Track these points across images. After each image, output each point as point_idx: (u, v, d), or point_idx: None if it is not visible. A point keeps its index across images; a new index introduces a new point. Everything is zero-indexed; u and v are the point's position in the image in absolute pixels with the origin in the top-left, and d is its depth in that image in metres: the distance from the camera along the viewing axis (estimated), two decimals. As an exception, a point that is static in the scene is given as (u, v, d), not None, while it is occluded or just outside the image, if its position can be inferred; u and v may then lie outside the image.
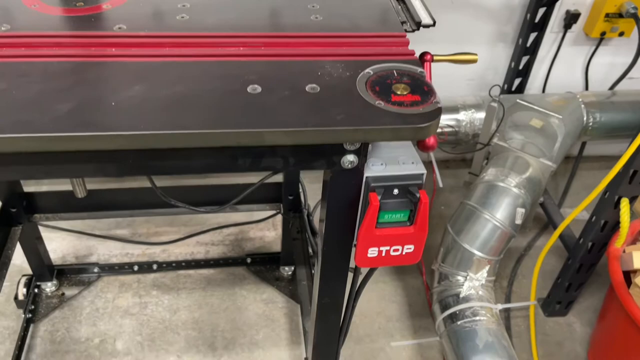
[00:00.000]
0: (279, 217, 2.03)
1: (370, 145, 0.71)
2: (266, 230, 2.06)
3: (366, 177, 0.71)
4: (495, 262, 1.69)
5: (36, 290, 1.73)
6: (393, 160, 0.72)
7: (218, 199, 1.54)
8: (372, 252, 0.76)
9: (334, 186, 0.73)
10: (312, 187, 2.12)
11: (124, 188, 1.61)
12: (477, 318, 1.57)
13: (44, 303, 1.73)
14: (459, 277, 1.68)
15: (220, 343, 1.69)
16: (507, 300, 1.86)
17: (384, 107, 0.66)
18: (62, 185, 2.18)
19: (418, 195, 0.70)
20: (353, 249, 0.80)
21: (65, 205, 1.55)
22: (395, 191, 0.72)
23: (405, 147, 0.74)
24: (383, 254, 0.76)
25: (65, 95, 0.63)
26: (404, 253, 0.77)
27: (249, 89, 0.68)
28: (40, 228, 1.65)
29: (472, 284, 1.64)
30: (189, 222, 2.06)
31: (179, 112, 0.63)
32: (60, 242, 1.92)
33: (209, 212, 1.52)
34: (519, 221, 1.65)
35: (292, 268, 1.87)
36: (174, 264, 1.86)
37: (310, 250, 1.44)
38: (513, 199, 1.65)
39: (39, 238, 1.65)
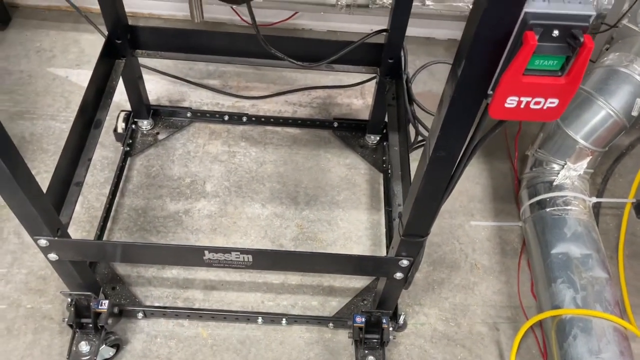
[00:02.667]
0: (367, 86, 1.98)
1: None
2: (354, 97, 2.02)
3: (525, 13, 0.63)
4: (598, 155, 1.59)
5: (134, 126, 1.80)
6: (557, -4, 0.63)
7: (316, 54, 1.49)
8: (511, 101, 0.70)
9: (485, 19, 0.65)
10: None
11: (223, 32, 1.59)
12: (569, 207, 1.52)
13: (140, 139, 1.81)
14: (555, 165, 1.61)
15: (302, 198, 1.74)
16: (600, 196, 1.78)
17: None
18: (165, 22, 2.19)
19: (582, 39, 0.63)
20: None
21: (166, 44, 1.55)
22: (555, 33, 0.64)
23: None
24: (522, 106, 0.71)
25: None
26: (545, 107, 0.71)
27: None
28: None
29: (569, 173, 1.57)
30: (278, 81, 2.04)
31: None
32: (155, 84, 1.96)
33: (305, 68, 1.47)
34: (635, 112, 1.52)
35: (378, 137, 1.84)
36: (262, 119, 1.88)
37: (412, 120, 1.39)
38: (635, 87, 1.51)
39: (140, 76, 1.68)
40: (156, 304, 1.49)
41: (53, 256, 1.17)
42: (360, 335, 1.34)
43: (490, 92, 0.74)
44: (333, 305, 1.53)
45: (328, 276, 1.58)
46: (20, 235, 1.58)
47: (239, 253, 1.16)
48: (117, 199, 1.68)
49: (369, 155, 1.84)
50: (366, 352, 1.35)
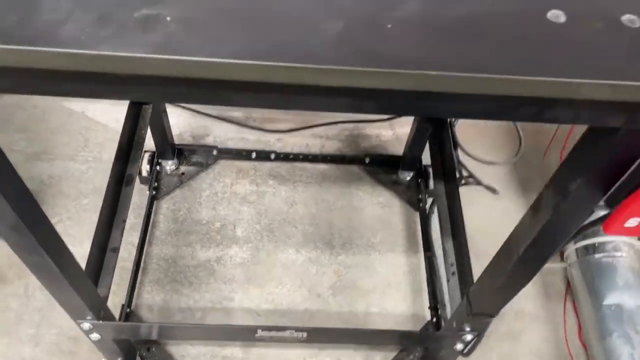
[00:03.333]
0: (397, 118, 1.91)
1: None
2: (382, 129, 1.95)
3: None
4: (647, 197, 1.53)
5: (158, 167, 1.72)
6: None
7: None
8: (633, 222, 0.64)
9: (613, 143, 0.59)
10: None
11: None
12: (619, 254, 1.47)
13: (164, 180, 1.73)
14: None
15: (337, 241, 1.67)
16: (642, 234, 1.73)
17: None
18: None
19: None
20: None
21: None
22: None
23: None
24: (642, 225, 0.65)
25: (331, 10, 0.50)
26: (666, 226, 0.65)
27: (549, 15, 0.52)
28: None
29: (617, 217, 1.51)
30: (303, 112, 1.96)
31: (467, 42, 0.50)
32: (177, 117, 1.87)
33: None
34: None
35: (412, 173, 1.77)
36: (291, 156, 1.80)
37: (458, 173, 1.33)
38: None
39: (164, 111, 1.58)
40: (194, 368, 1.43)
41: (95, 336, 1.10)
42: (413, 401, 1.29)
43: (601, 203, 0.68)
44: (377, 361, 1.47)
45: (370, 327, 1.52)
46: (46, 292, 1.51)
47: (293, 330, 1.09)
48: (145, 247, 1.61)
49: (403, 192, 1.78)
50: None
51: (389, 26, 0.50)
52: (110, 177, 1.24)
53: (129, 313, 1.44)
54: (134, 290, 1.51)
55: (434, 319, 1.48)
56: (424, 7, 0.51)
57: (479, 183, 1.77)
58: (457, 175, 1.34)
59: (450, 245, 1.31)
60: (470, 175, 1.72)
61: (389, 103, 0.52)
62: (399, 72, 0.47)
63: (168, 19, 0.47)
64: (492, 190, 1.72)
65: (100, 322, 1.05)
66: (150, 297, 1.53)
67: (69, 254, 0.93)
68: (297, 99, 0.52)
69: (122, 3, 0.48)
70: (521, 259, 0.82)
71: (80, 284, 0.98)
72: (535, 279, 1.63)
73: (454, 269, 1.27)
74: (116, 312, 1.44)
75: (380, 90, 0.49)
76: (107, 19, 0.46)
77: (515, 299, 1.59)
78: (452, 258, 1.29)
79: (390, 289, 1.59)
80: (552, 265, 1.66)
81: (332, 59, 0.47)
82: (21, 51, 0.44)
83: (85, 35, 0.45)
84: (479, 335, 1.09)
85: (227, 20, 0.49)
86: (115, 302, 1.50)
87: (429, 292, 1.55)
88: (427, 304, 1.54)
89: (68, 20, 0.46)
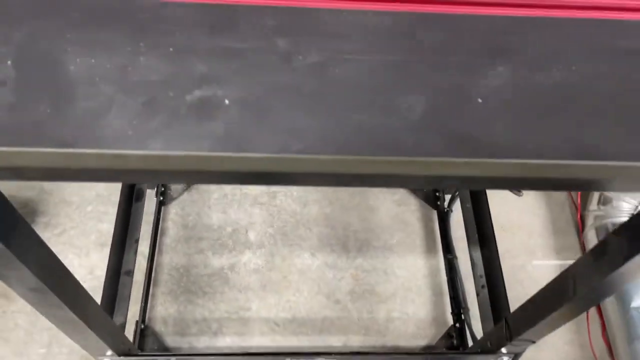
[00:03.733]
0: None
1: None
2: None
3: None
4: (674, 194, 1.49)
5: (164, 171, 1.64)
6: None
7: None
8: None
9: None
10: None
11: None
12: (645, 254, 1.43)
13: (171, 185, 1.66)
14: (624, 204, 1.51)
15: (353, 244, 1.62)
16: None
17: None
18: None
19: None
20: None
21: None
22: None
23: None
24: None
25: (408, 80, 0.43)
26: None
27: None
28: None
29: (643, 215, 1.46)
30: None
31: (569, 118, 0.43)
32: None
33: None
34: None
35: (428, 168, 1.71)
36: (302, 154, 1.73)
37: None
38: None
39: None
40: (213, 379, 1.39)
41: (116, 370, 1.05)
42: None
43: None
44: (401, 369, 1.44)
45: (392, 334, 1.48)
46: (55, 307, 1.45)
47: (323, 358, 1.05)
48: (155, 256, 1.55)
49: (420, 190, 1.72)
50: None
51: (479, 100, 0.42)
52: (120, 195, 1.16)
53: (143, 329, 1.39)
54: (147, 304, 1.45)
55: (457, 324, 1.45)
56: (515, 72, 0.44)
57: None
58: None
59: (478, 255, 1.26)
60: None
61: (476, 184, 0.45)
62: (501, 162, 0.40)
63: (226, 102, 0.40)
64: (517, 192, 1.67)
65: (121, 358, 1.00)
66: (163, 310, 1.48)
67: (86, 297, 0.86)
68: (374, 182, 0.45)
69: (171, 82, 0.40)
70: (577, 299, 0.77)
71: (99, 323, 0.92)
72: (556, 275, 1.61)
73: (483, 281, 1.22)
74: (130, 327, 1.39)
75: (475, 178, 0.42)
76: (155, 105, 0.39)
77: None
78: (480, 269, 1.24)
79: (410, 293, 1.55)
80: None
81: (419, 148, 0.40)
82: (58, 154, 0.37)
83: (131, 129, 0.38)
84: (515, 357, 1.05)
85: (292, 99, 0.41)
86: (128, 316, 1.45)
87: (450, 296, 1.51)
88: (448, 308, 1.51)
89: (110, 109, 0.38)
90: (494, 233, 1.22)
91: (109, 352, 0.98)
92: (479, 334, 1.31)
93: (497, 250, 1.19)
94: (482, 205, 1.28)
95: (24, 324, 1.43)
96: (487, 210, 1.26)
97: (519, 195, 1.70)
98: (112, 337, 0.98)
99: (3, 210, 0.51)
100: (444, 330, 1.48)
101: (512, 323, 0.98)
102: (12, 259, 0.54)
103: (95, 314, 0.90)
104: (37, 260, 0.63)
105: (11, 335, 1.41)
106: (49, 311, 0.77)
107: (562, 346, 1.51)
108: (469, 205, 1.32)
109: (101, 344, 0.95)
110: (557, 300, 0.82)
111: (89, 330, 0.88)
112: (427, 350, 1.46)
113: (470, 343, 1.37)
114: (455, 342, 1.43)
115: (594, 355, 1.49)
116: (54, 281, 0.68)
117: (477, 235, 1.27)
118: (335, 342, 1.46)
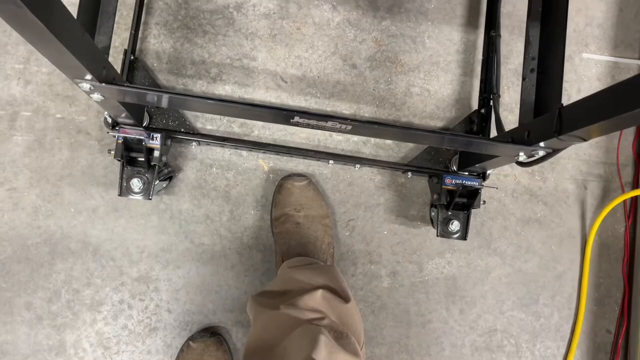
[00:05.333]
0: None
1: None
2: None
3: None
4: None
5: None
6: None
7: None
8: None
9: None
10: None
11: None
12: None
13: None
14: None
15: (383, 2, 1.37)
16: None
17: None
18: None
19: None
20: None
21: None
22: None
23: None
24: None
25: None
26: None
27: None
28: None
29: None
30: None
31: None
32: None
33: None
34: None
35: None
36: None
37: None
38: None
39: None
40: (208, 127, 1.28)
41: (97, 97, 0.91)
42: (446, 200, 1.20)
43: None
44: (410, 147, 1.34)
45: (407, 110, 1.34)
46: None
47: (336, 122, 0.91)
48: (148, -21, 1.30)
49: (475, -54, 1.40)
50: (449, 213, 1.22)
51: None
52: None
53: (133, 60, 1.22)
54: (138, 32, 1.26)
55: (482, 110, 1.29)
56: None
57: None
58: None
59: (536, 32, 1.04)
60: None
61: None
62: None
63: None
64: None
65: (103, 85, 0.84)
66: (157, 43, 1.29)
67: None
68: None
69: None
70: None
71: (71, 37, 0.73)
72: (604, 73, 1.45)
73: (534, 64, 1.03)
74: (118, 58, 1.22)
75: None
76: None
77: (575, 94, 1.41)
78: (534, 50, 1.04)
79: (436, 68, 1.37)
80: (628, 61, 1.42)
81: None
82: None
83: None
84: (553, 152, 0.92)
85: None
86: (116, 44, 1.27)
87: (481, 79, 1.33)
88: (477, 92, 1.34)
89: None
90: (567, 6, 0.97)
91: (88, 76, 0.82)
92: (508, 125, 1.17)
93: (564, 28, 0.96)
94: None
95: (-4, 35, 1.24)
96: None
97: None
98: (91, 58, 0.81)
99: None
100: (465, 115, 1.34)
101: (565, 116, 0.82)
102: None
103: (66, 25, 0.71)
104: None
105: (-18, 46, 1.24)
106: (10, 17, 0.58)
107: (586, 148, 1.40)
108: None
109: (77, 63, 0.78)
110: (632, 101, 0.65)
111: (61, 46, 0.70)
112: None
113: (493, 134, 1.24)
114: (475, 128, 1.30)
115: (618, 161, 1.39)
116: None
117: (541, 7, 1.03)
118: (344, 109, 1.32)
